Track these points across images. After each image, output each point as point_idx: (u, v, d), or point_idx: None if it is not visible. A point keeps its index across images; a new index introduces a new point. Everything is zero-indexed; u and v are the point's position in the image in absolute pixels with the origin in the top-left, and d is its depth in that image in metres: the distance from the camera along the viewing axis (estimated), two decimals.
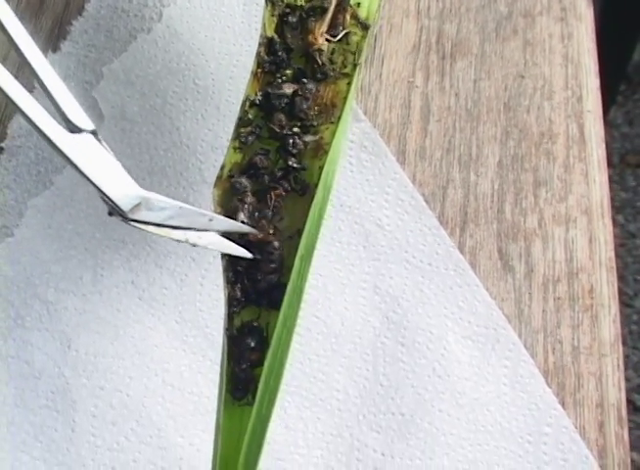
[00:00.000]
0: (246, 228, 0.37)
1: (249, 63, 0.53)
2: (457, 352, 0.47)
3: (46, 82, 0.32)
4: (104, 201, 0.32)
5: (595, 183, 0.51)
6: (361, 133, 0.52)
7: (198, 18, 0.55)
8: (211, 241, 0.35)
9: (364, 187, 0.50)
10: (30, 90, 0.32)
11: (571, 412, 0.46)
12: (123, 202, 0.32)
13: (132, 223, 0.32)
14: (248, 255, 0.37)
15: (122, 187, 0.32)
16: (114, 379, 0.46)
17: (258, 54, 0.41)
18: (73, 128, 0.32)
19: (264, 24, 0.41)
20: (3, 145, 0.52)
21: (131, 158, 0.51)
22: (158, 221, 0.33)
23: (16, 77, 0.32)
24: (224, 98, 0.53)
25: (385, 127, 0.53)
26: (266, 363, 0.36)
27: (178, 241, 0.34)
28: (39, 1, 0.56)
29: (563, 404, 0.46)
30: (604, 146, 0.52)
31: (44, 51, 0.54)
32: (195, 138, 0.51)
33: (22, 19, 0.54)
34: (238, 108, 0.52)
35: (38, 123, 0.31)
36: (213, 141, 0.51)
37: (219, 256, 0.39)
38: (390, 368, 0.46)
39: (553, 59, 0.55)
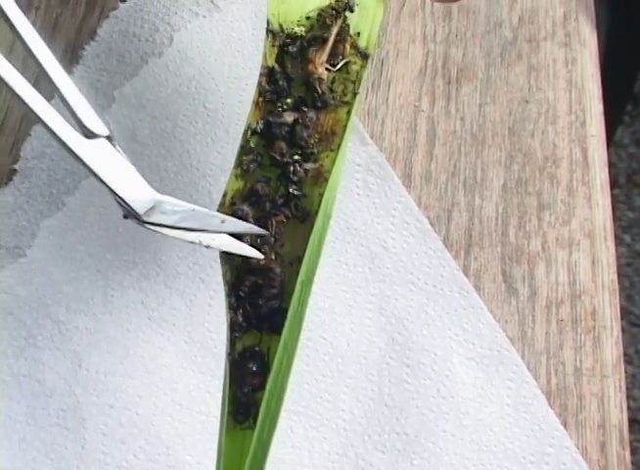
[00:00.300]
0: (257, 230, 0.38)
1: None
2: (461, 374, 0.47)
3: (61, 89, 0.34)
4: (119, 203, 0.33)
5: (598, 206, 0.52)
6: (368, 157, 0.52)
7: (208, 42, 0.56)
8: (224, 242, 0.36)
9: (370, 210, 0.51)
10: (49, 99, 0.33)
11: (574, 433, 0.47)
12: (138, 205, 0.33)
13: (147, 226, 0.33)
14: (259, 255, 0.38)
15: (137, 190, 0.33)
16: (124, 398, 0.47)
17: (260, 83, 0.42)
18: (89, 134, 0.33)
19: (265, 55, 0.42)
20: (16, 167, 0.53)
21: None
22: (171, 224, 0.34)
23: (34, 86, 0.33)
24: (233, 121, 0.54)
25: (391, 151, 0.54)
26: (267, 388, 0.36)
27: (192, 242, 0.35)
28: (52, 27, 0.57)
29: (565, 425, 0.47)
30: (607, 170, 0.53)
31: None
32: (204, 161, 0.52)
33: None
34: (251, 105, 0.54)
35: (55, 129, 0.32)
36: (222, 164, 0.52)
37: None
38: (395, 389, 0.47)
39: (557, 84, 0.56)
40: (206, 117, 0.54)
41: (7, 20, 0.33)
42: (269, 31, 0.42)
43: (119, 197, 0.32)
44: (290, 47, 0.42)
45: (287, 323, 0.37)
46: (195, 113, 0.54)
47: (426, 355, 0.48)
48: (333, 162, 0.40)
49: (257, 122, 0.41)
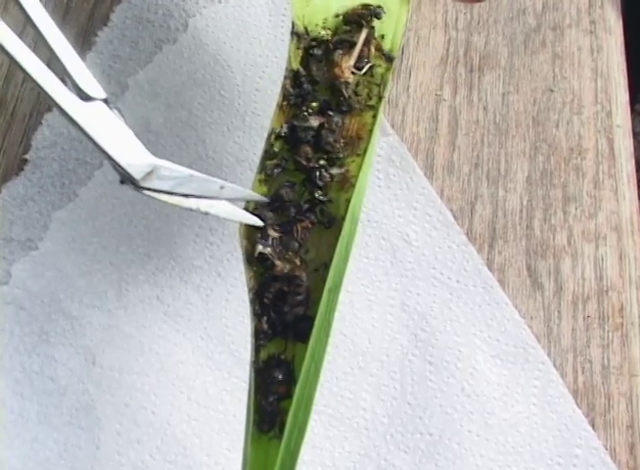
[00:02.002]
0: (257, 197, 0.36)
1: (275, 74, 0.52)
2: (486, 372, 0.45)
3: (56, 49, 0.31)
4: (114, 168, 0.31)
5: (625, 199, 0.50)
6: (389, 147, 0.50)
7: (223, 29, 0.53)
8: (223, 209, 0.34)
9: (392, 202, 0.49)
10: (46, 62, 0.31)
11: (602, 433, 0.45)
12: (135, 170, 0.31)
13: (144, 192, 0.31)
14: (259, 222, 0.36)
15: (134, 155, 0.31)
16: (139, 396, 0.45)
17: (284, 87, 0.40)
18: (85, 96, 0.31)
19: (290, 58, 0.40)
20: (27, 157, 0.50)
21: None
22: (169, 189, 0.32)
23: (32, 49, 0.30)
24: (250, 110, 0.51)
25: (412, 141, 0.51)
26: (295, 398, 0.34)
27: (190, 209, 0.32)
28: (63, 11, 0.55)
29: (593, 425, 0.45)
30: (633, 161, 0.51)
31: None
32: (220, 151, 0.50)
33: None
34: (263, 120, 0.51)
35: (49, 90, 0.30)
36: (239, 154, 0.50)
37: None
38: (418, 387, 0.45)
39: (582, 72, 0.53)
40: (222, 105, 0.52)
41: None
42: (294, 34, 0.40)
43: (115, 161, 0.30)
44: (315, 50, 0.41)
45: (314, 331, 0.35)
46: (210, 101, 0.52)
47: (449, 353, 0.46)
48: (359, 166, 0.38)
49: (282, 126, 0.39)
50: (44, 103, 0.53)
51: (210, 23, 0.54)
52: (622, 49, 0.55)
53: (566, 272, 0.48)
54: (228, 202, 0.34)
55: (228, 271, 0.48)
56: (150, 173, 0.31)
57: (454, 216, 0.49)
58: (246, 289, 0.38)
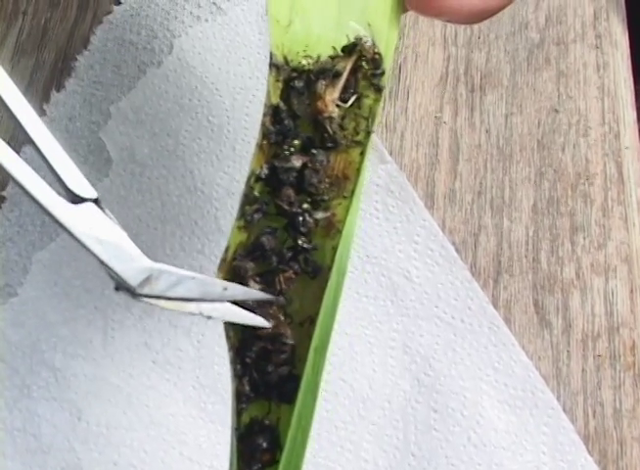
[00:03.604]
0: (262, 295, 0.32)
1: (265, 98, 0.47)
2: (493, 419, 0.41)
3: (41, 147, 0.27)
4: (109, 276, 0.27)
5: (635, 227, 0.45)
6: (387, 176, 0.45)
7: (211, 49, 0.48)
8: (227, 312, 0.30)
9: (391, 236, 0.44)
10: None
11: None
12: (132, 277, 0.27)
13: (142, 299, 0.27)
14: (267, 324, 0.31)
15: (130, 260, 0.27)
16: (128, 453, 0.40)
17: (263, 124, 0.34)
18: (74, 197, 0.27)
19: (269, 92, 0.34)
20: (4, 193, 0.46)
21: (142, 205, 0.45)
22: (168, 294, 0.28)
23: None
24: (240, 137, 0.47)
25: (411, 168, 0.47)
26: (281, 467, 0.30)
27: (192, 314, 0.29)
28: (41, 33, 0.50)
29: None
30: None
31: (48, 89, 0.47)
32: (210, 183, 0.45)
33: (22, 52, 0.48)
34: (255, 148, 0.46)
35: (34, 194, 0.26)
36: (229, 186, 0.45)
37: None
38: (423, 437, 0.41)
39: (588, 91, 0.48)
40: (211, 132, 0.47)
41: None
42: (272, 65, 0.35)
43: (110, 268, 0.26)
44: (296, 82, 0.35)
45: (300, 395, 0.31)
46: (198, 128, 0.47)
47: (454, 399, 0.41)
48: (346, 210, 0.33)
49: (261, 167, 0.34)
50: (21, 134, 0.47)
51: (197, 44, 0.49)
52: (629, 64, 0.50)
53: (574, 308, 0.44)
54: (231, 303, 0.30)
55: None
56: (147, 279, 0.27)
57: (457, 250, 0.45)
58: (228, 354, 0.33)
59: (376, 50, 0.35)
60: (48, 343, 0.43)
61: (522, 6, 0.51)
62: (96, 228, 0.27)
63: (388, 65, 0.36)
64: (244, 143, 0.47)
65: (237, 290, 0.30)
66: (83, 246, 0.27)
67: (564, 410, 0.42)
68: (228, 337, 0.33)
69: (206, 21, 0.49)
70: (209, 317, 0.30)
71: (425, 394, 0.42)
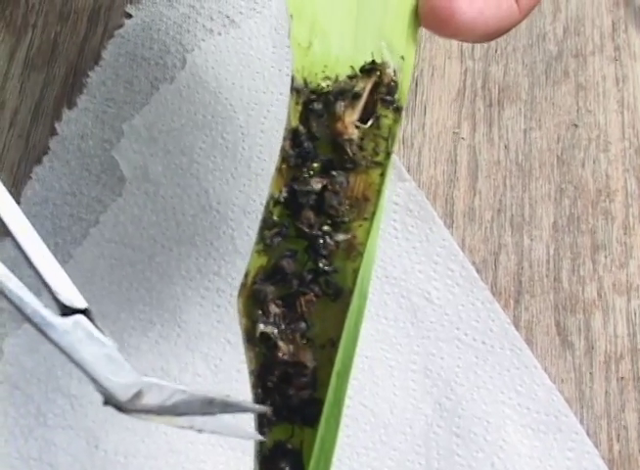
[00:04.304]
0: (256, 408, 0.31)
1: (281, 113, 0.46)
2: (517, 444, 0.40)
3: (32, 257, 0.27)
4: (98, 390, 0.26)
5: None
6: (406, 195, 0.44)
7: (224, 63, 0.47)
8: (220, 425, 0.29)
9: (410, 256, 0.43)
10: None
11: None
12: (121, 392, 0.26)
13: (132, 414, 0.26)
14: (262, 438, 0.31)
15: (119, 375, 0.26)
16: None
17: (283, 148, 0.33)
18: (63, 308, 0.26)
19: (289, 116, 0.33)
20: None
21: (156, 225, 0.44)
22: (158, 409, 0.27)
23: None
24: (255, 155, 0.45)
25: (430, 185, 0.46)
26: None
27: (182, 428, 0.27)
28: (51, 48, 0.48)
29: None
30: None
31: (59, 106, 0.46)
32: (225, 202, 0.44)
33: (33, 66, 0.46)
34: (270, 165, 0.45)
35: (21, 306, 0.25)
36: (245, 205, 0.44)
37: None
38: (445, 462, 0.40)
39: (607, 105, 0.47)
40: (225, 149, 0.45)
41: None
42: (293, 89, 0.33)
43: (98, 383, 0.25)
44: (315, 104, 0.33)
45: (322, 420, 0.30)
46: (212, 146, 0.45)
47: (477, 424, 0.40)
48: (366, 232, 0.32)
49: (280, 191, 0.33)
50: (33, 152, 0.46)
51: (210, 58, 0.47)
52: None
53: (597, 329, 0.43)
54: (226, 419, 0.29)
55: (238, 338, 0.41)
56: (137, 394, 0.26)
57: (477, 270, 0.44)
58: (249, 377, 0.32)
59: (393, 75, 0.34)
60: (63, 369, 0.41)
61: (539, 17, 0.50)
62: (84, 341, 0.26)
63: (406, 83, 0.35)
64: (259, 161, 0.45)
65: (229, 403, 0.29)
66: (71, 360, 0.26)
67: (587, 434, 0.41)
68: (249, 361, 0.32)
69: (219, 34, 0.48)
70: (201, 431, 0.29)
71: (447, 418, 0.41)
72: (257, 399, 0.32)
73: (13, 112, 0.48)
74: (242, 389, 0.41)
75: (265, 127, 0.46)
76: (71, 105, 0.47)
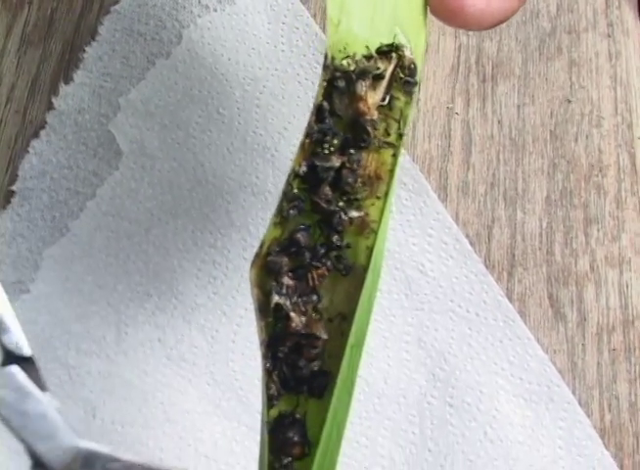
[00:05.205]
0: None
1: (276, 89, 0.46)
2: (509, 414, 0.40)
3: None
4: (30, 454, 0.23)
5: None
6: (400, 168, 0.44)
7: (220, 39, 0.47)
8: None
9: (404, 229, 0.43)
10: None
11: None
12: (54, 457, 0.23)
13: None
14: None
15: (54, 437, 0.23)
16: (144, 451, 0.39)
17: (309, 124, 0.33)
18: (6, 354, 0.23)
19: (318, 92, 0.33)
20: (14, 188, 0.44)
21: (153, 199, 0.44)
22: None
23: None
24: (251, 129, 0.45)
25: (424, 160, 0.46)
26: (315, 464, 0.30)
27: None
28: (47, 24, 0.48)
29: (621, 467, 0.40)
30: None
31: (56, 81, 0.46)
32: (221, 176, 0.44)
33: (29, 43, 0.46)
34: (265, 140, 0.45)
35: None
36: (241, 178, 0.44)
37: (252, 308, 0.33)
38: (439, 432, 0.40)
39: (600, 81, 0.47)
40: (221, 124, 0.45)
41: None
42: (324, 66, 0.34)
43: (30, 446, 0.23)
44: (338, 81, 0.33)
45: (335, 391, 0.30)
46: (208, 120, 0.45)
47: (470, 394, 0.40)
48: (380, 211, 0.33)
49: (300, 165, 0.33)
50: (30, 127, 0.46)
51: (206, 34, 0.47)
52: None
53: (589, 301, 0.43)
54: None
55: (233, 309, 0.42)
56: (73, 461, 0.23)
57: (471, 243, 0.44)
58: (253, 330, 0.32)
59: (412, 57, 0.35)
60: (61, 340, 0.41)
61: None
62: (17, 398, 0.23)
63: (418, 67, 0.35)
64: (255, 135, 0.45)
65: None
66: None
67: (579, 404, 0.41)
68: (260, 330, 0.32)
69: (215, 10, 0.48)
70: None
71: (440, 388, 0.41)
72: (267, 370, 0.32)
73: (9, 88, 0.48)
74: (237, 359, 0.42)
75: (261, 103, 0.46)
76: (68, 80, 0.47)
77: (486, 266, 0.44)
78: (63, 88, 0.46)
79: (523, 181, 0.46)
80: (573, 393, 0.42)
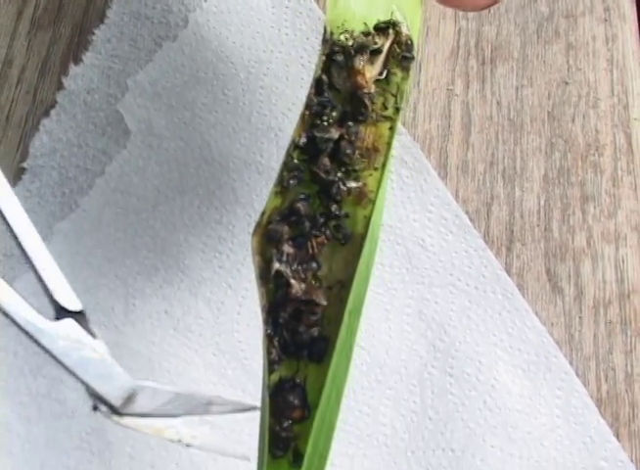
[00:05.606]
0: (247, 406, 0.31)
1: (280, 71, 0.47)
2: (508, 383, 0.41)
3: (31, 257, 0.26)
4: (90, 395, 0.25)
5: None
6: (401, 147, 0.45)
7: (225, 23, 0.48)
8: (207, 442, 0.29)
9: (405, 205, 0.44)
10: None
11: (626, 444, 0.41)
12: (114, 396, 0.26)
13: (123, 421, 0.26)
14: (247, 457, 0.32)
15: (112, 379, 0.26)
16: None
17: (308, 96, 0.35)
18: (59, 310, 0.26)
19: (317, 65, 0.35)
20: (25, 165, 0.45)
21: (160, 176, 0.45)
22: (151, 412, 0.27)
23: None
24: (255, 110, 0.46)
25: (424, 139, 0.47)
26: (314, 424, 0.31)
27: (171, 440, 0.27)
28: (57, 8, 0.49)
29: (617, 436, 0.41)
30: None
31: (65, 63, 0.47)
32: (226, 154, 0.45)
33: (39, 26, 0.48)
34: (270, 120, 0.46)
35: (11, 313, 0.25)
36: (246, 157, 0.45)
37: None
38: (439, 400, 0.41)
39: (597, 63, 0.48)
40: (227, 105, 0.47)
41: None
42: (324, 40, 0.35)
43: (91, 388, 0.25)
44: (337, 56, 0.35)
45: (334, 355, 0.32)
46: (214, 101, 0.47)
47: (470, 364, 0.42)
48: (377, 181, 0.34)
49: (300, 136, 0.34)
50: (40, 107, 0.47)
51: (211, 18, 0.48)
52: (637, 37, 0.50)
53: (586, 275, 0.44)
54: (215, 432, 0.29)
55: (239, 282, 0.43)
56: (130, 398, 0.26)
57: (470, 219, 0.45)
58: (257, 302, 0.33)
59: (409, 33, 0.37)
60: None
61: None
62: (76, 346, 0.26)
63: (414, 43, 0.37)
64: (259, 115, 0.47)
65: (221, 405, 0.29)
66: (63, 366, 0.26)
67: (576, 375, 0.42)
68: (261, 297, 0.33)
69: None
70: (189, 445, 0.28)
71: (440, 359, 0.42)
72: (268, 335, 0.33)
73: (20, 69, 0.49)
74: (242, 330, 0.43)
75: (265, 84, 0.48)
76: (78, 61, 0.48)
77: (485, 242, 0.45)
78: (72, 69, 0.48)
79: (521, 160, 0.47)
80: (571, 364, 0.43)
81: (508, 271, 0.44)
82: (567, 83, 0.49)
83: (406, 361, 0.42)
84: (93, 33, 0.48)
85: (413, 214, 0.45)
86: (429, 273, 0.44)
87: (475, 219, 0.46)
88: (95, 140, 0.46)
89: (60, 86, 0.48)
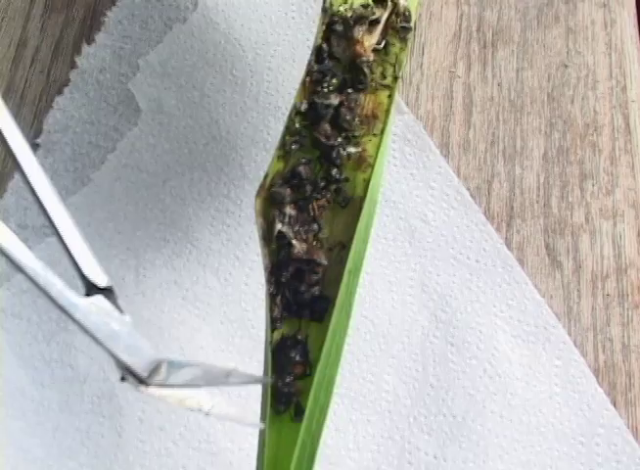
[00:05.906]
0: (262, 380, 0.33)
1: (286, 53, 0.49)
2: (507, 352, 0.43)
3: (63, 234, 0.28)
4: (118, 367, 0.27)
5: None
6: (404, 126, 0.47)
7: (234, 6, 0.50)
8: (226, 412, 0.30)
9: (409, 181, 0.46)
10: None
11: (623, 412, 0.43)
12: (141, 367, 0.28)
13: (148, 391, 0.28)
14: (260, 425, 0.33)
15: (139, 352, 0.28)
16: None
17: (309, 63, 0.37)
18: (88, 284, 0.28)
19: (317, 34, 0.37)
20: (39, 141, 0.47)
21: (170, 153, 0.47)
22: (176, 381, 0.28)
23: None
24: (262, 90, 0.48)
25: (427, 119, 0.48)
26: (315, 378, 0.32)
27: (192, 410, 0.29)
28: None
29: (614, 404, 0.43)
30: None
31: (78, 44, 0.49)
32: (234, 132, 0.47)
33: (53, 9, 0.50)
34: (277, 100, 0.48)
35: (46, 287, 0.27)
36: (253, 134, 0.47)
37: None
38: (440, 368, 0.43)
39: (596, 47, 0.50)
40: (235, 85, 0.48)
41: (10, 153, 0.27)
42: (323, 9, 0.37)
43: (121, 360, 0.27)
44: (336, 25, 0.37)
45: (334, 312, 0.33)
46: (222, 81, 0.48)
47: (470, 333, 0.43)
48: (376, 147, 0.36)
49: (302, 102, 0.36)
50: (54, 86, 0.49)
51: (220, 1, 0.50)
52: (636, 22, 0.52)
53: (584, 250, 0.46)
54: (232, 405, 0.31)
55: (246, 254, 0.45)
56: (155, 369, 0.28)
57: (471, 195, 0.47)
58: (264, 273, 0.35)
59: (407, 4, 0.38)
60: None
61: None
62: (106, 320, 0.28)
63: (413, 15, 0.39)
64: (266, 95, 0.48)
65: (239, 376, 0.31)
66: (95, 340, 0.28)
67: (575, 345, 0.44)
68: (264, 257, 0.34)
69: None
70: (208, 414, 0.30)
71: (442, 329, 0.44)
72: (271, 294, 0.34)
73: (34, 50, 0.51)
74: (249, 300, 0.44)
75: (272, 65, 0.49)
76: (90, 41, 0.50)
77: (486, 217, 0.46)
78: (85, 49, 0.50)
79: (521, 139, 0.49)
80: (569, 335, 0.44)
81: (508, 246, 0.46)
82: (566, 66, 0.50)
83: (409, 331, 0.44)
84: (105, 15, 0.50)
85: (416, 191, 0.46)
86: (431, 247, 0.45)
87: (476, 196, 0.47)
88: (107, 117, 0.48)
89: (73, 65, 0.49)
